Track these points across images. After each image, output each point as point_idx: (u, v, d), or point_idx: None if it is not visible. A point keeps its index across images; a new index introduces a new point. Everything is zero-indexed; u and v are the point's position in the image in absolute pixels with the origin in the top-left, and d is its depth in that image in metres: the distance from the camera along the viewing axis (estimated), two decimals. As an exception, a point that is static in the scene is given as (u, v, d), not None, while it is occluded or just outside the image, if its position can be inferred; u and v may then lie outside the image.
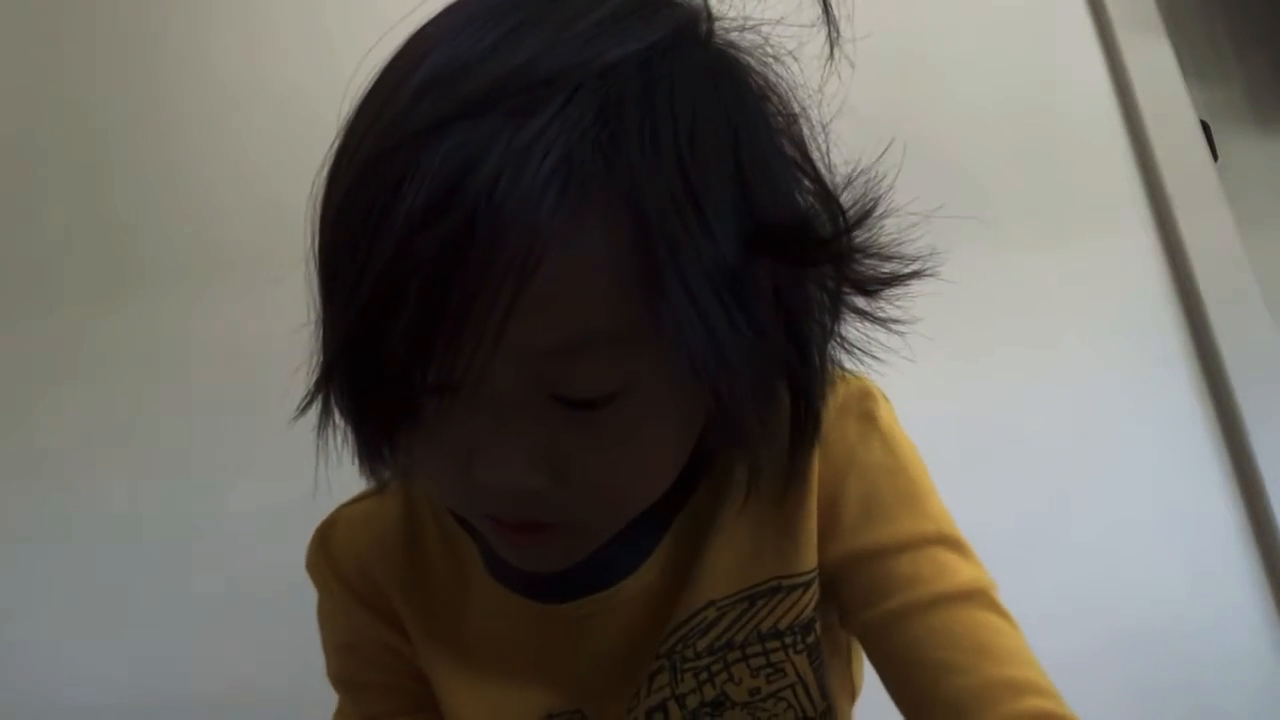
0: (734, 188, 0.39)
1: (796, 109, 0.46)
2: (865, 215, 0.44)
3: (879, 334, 0.49)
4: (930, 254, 0.49)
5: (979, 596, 0.51)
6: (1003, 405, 1.28)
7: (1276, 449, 1.26)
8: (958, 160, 1.36)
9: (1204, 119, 1.41)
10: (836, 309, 0.47)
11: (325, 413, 0.42)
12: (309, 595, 0.62)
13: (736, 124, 0.41)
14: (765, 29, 0.47)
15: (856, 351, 0.49)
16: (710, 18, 0.44)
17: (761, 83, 0.45)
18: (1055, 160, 1.37)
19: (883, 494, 0.53)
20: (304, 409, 0.42)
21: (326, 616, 0.62)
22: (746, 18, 0.46)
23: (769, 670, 0.55)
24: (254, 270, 1.10)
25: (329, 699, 0.62)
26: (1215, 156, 1.41)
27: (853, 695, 0.64)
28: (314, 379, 0.41)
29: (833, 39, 0.49)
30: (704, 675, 0.55)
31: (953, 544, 0.53)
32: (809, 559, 0.53)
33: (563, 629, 0.55)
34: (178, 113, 1.18)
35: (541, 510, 0.43)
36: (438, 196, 0.34)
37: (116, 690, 1.00)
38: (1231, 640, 1.22)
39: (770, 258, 0.41)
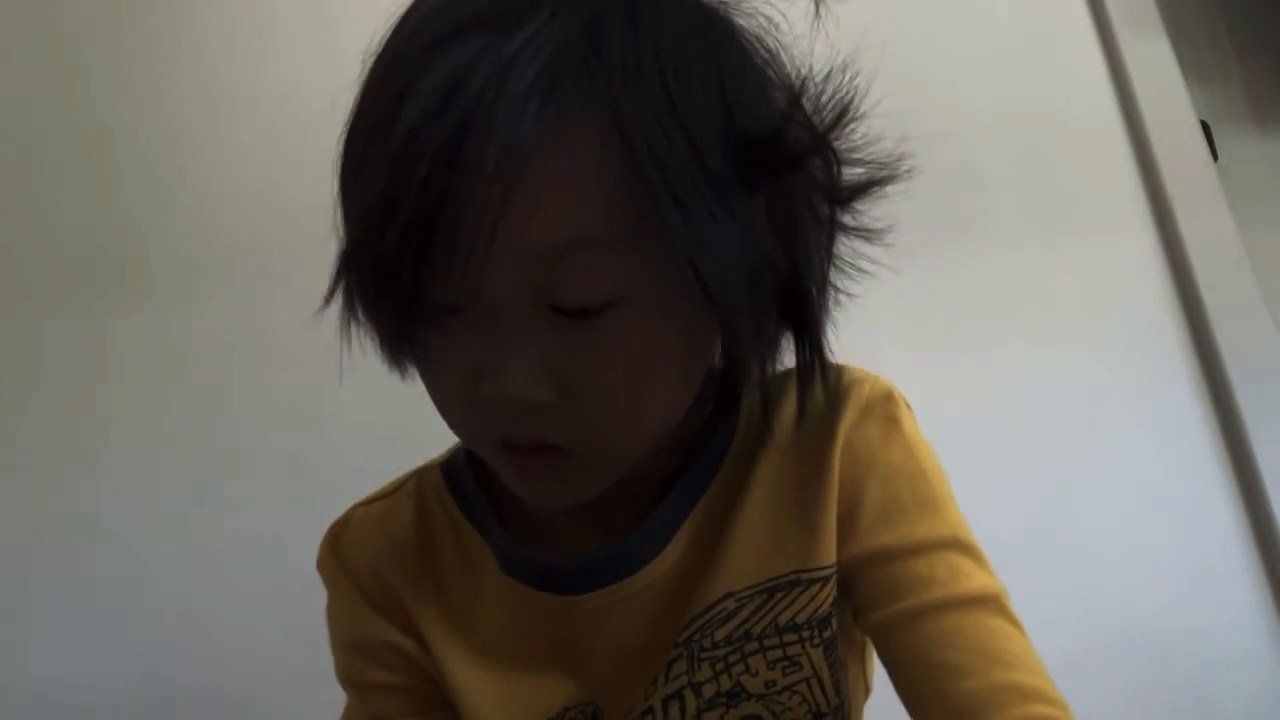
0: (717, 102, 0.42)
1: (774, 44, 0.49)
2: (841, 117, 0.46)
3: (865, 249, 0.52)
4: (900, 157, 0.51)
5: (991, 602, 0.51)
6: (1003, 405, 1.28)
7: (1276, 449, 1.26)
8: (958, 160, 1.36)
9: (1204, 119, 1.42)
10: (829, 229, 0.49)
11: (348, 306, 0.44)
12: (314, 596, 0.62)
13: (719, 42, 0.44)
14: None
15: (850, 270, 0.52)
16: None
17: (746, 21, 0.48)
18: (1055, 160, 1.37)
19: (902, 497, 0.54)
20: (328, 300, 0.44)
21: (335, 616, 0.62)
22: None
23: (785, 663, 0.55)
24: (257, 270, 1.10)
25: (332, 700, 0.62)
26: (1215, 156, 1.41)
27: (866, 692, 0.65)
28: (334, 272, 0.43)
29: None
30: (720, 665, 0.55)
31: (968, 550, 0.53)
32: (829, 554, 0.54)
33: (578, 622, 0.56)
34: (181, 113, 1.18)
35: (550, 429, 0.44)
36: (432, 106, 0.38)
37: (118, 692, 1.00)
38: (1231, 640, 1.22)
39: (756, 168, 0.43)
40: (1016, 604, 0.51)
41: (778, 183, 0.45)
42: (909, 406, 0.58)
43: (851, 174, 0.48)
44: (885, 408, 0.56)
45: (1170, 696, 1.17)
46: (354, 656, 0.61)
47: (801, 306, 0.50)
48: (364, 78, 0.44)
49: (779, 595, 0.54)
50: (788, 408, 0.54)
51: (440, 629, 0.58)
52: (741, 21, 0.48)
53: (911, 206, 1.47)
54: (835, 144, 0.46)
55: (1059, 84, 1.41)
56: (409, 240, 0.39)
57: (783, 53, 0.48)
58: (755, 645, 0.55)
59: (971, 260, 1.33)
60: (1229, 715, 1.18)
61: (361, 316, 0.44)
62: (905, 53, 1.39)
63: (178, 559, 1.03)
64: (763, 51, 0.48)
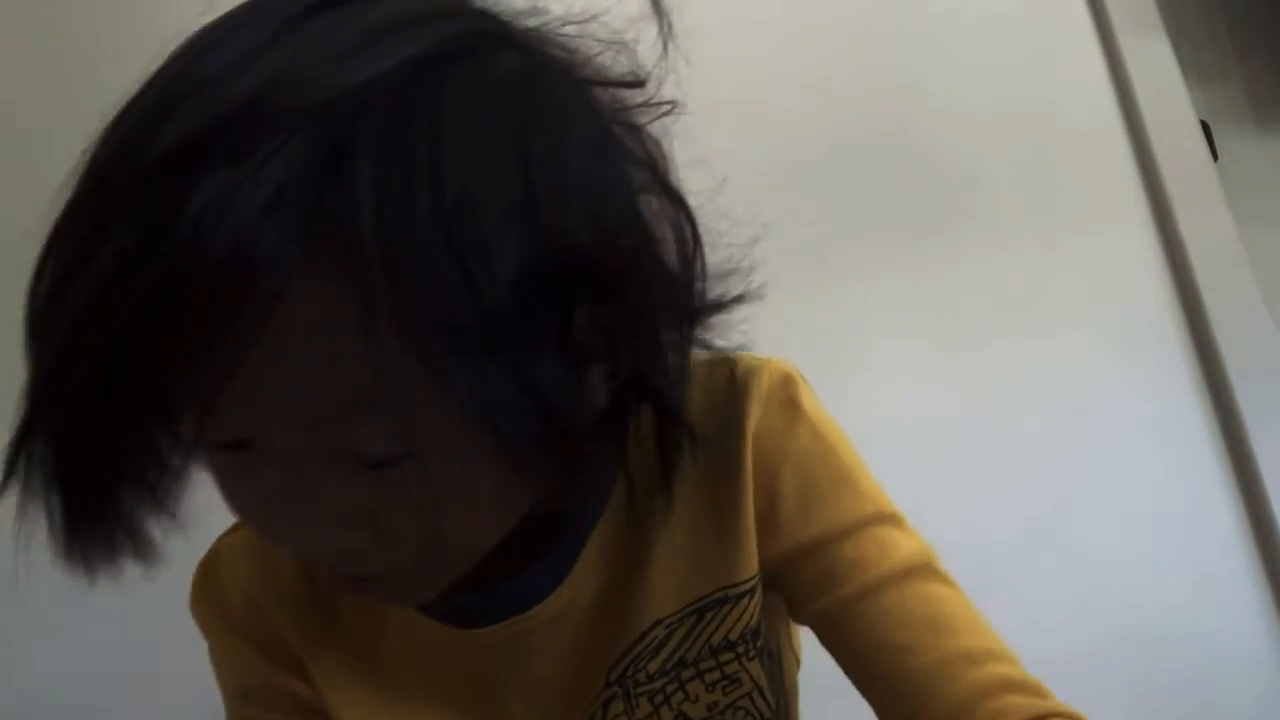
0: (515, 221, 0.34)
1: (638, 119, 0.43)
2: (695, 247, 0.42)
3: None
4: (756, 272, 0.46)
5: (923, 569, 0.51)
6: (1003, 406, 1.28)
7: (1276, 449, 1.26)
8: (958, 160, 1.36)
9: (1204, 119, 1.41)
10: (681, 334, 0.44)
11: (27, 486, 0.35)
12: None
13: (529, 145, 0.35)
14: (593, 26, 0.43)
15: (717, 344, 0.46)
16: (509, 21, 0.40)
17: (588, 93, 0.41)
18: (1055, 160, 1.37)
19: (818, 480, 0.52)
20: (5, 479, 0.35)
21: (217, 663, 0.56)
22: (564, 17, 0.43)
23: (725, 683, 0.54)
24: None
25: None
26: (1215, 156, 1.41)
27: (797, 663, 0.64)
28: (14, 438, 0.34)
29: (665, 33, 0.45)
30: (659, 698, 0.53)
31: (890, 519, 0.52)
32: (751, 564, 0.52)
33: (488, 656, 0.52)
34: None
35: (367, 566, 0.40)
36: (140, 244, 0.30)
37: (119, 693, 1.00)
38: (1231, 641, 1.22)
39: (571, 291, 0.36)
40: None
41: (605, 304, 0.38)
42: (805, 381, 0.55)
43: (713, 269, 0.43)
44: (784, 392, 0.53)
45: (1171, 698, 1.17)
46: (242, 704, 0.55)
47: (655, 397, 0.44)
48: (77, 181, 0.35)
49: (708, 615, 0.53)
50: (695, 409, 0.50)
51: (334, 669, 0.53)
52: (587, 89, 0.41)
53: (911, 206, 1.47)
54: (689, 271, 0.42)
55: (1059, 84, 1.41)
56: (141, 395, 0.33)
57: (650, 139, 0.42)
58: (692, 671, 0.53)
59: (971, 260, 1.33)
60: (1229, 716, 1.18)
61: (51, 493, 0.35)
62: (906, 53, 1.39)
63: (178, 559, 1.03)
64: (619, 126, 0.41)
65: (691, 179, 0.45)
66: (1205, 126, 1.41)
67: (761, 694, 0.55)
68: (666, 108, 0.45)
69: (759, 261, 0.46)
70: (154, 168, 0.31)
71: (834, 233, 1.33)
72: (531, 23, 0.41)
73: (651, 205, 0.42)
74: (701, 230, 0.43)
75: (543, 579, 0.51)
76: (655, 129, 0.44)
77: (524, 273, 0.34)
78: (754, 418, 0.52)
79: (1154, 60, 1.41)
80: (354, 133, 0.32)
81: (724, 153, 1.50)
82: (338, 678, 0.53)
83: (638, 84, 0.44)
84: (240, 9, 0.36)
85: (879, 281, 1.31)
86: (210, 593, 0.55)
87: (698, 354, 0.47)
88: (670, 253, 0.42)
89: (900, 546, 0.51)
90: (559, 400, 0.36)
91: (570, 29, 0.42)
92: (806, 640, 0.62)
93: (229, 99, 0.32)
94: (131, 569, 0.38)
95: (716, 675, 0.54)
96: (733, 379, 0.52)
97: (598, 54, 0.43)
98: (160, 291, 0.30)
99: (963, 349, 1.30)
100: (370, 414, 0.34)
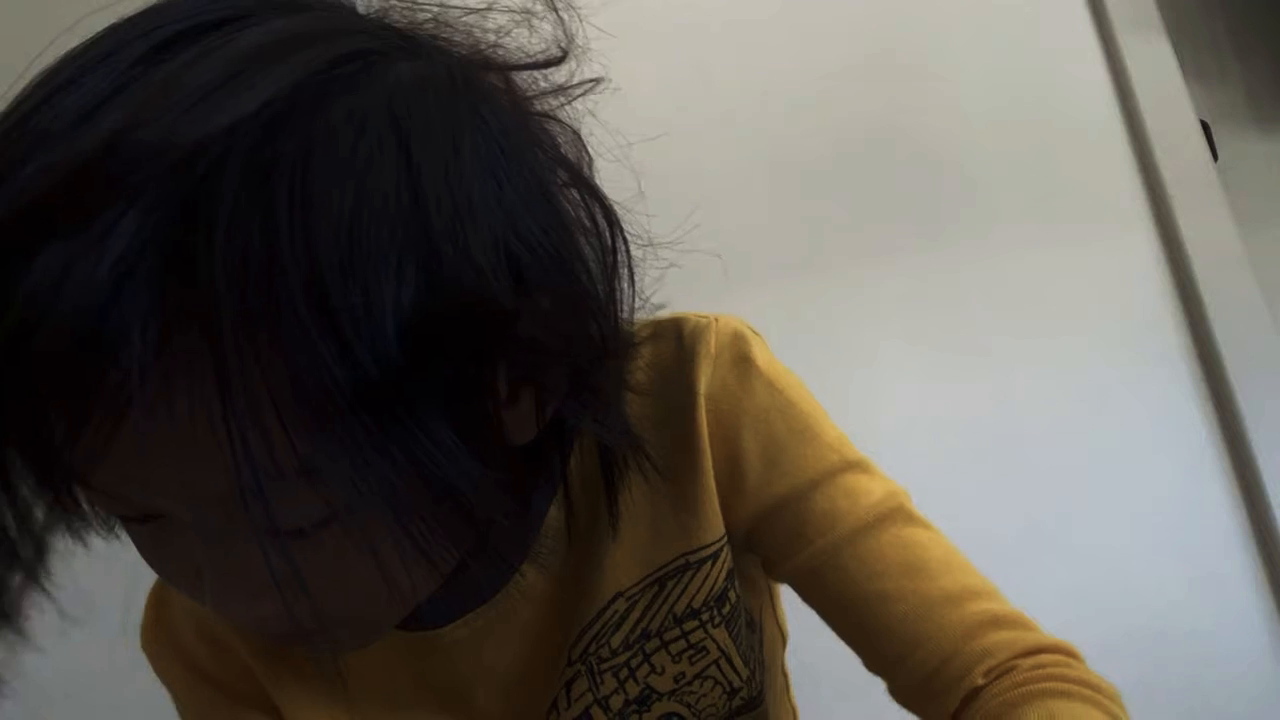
0: (400, 274, 0.30)
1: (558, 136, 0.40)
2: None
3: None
4: (662, 307, 0.44)
5: (896, 513, 0.50)
6: (1003, 406, 1.28)
7: (1276, 449, 1.26)
8: (958, 160, 1.36)
9: (1204, 119, 1.41)
10: (605, 353, 0.41)
11: None
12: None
13: (418, 178, 0.31)
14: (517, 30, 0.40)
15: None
16: (393, 25, 0.37)
17: (492, 92, 0.37)
18: (1055, 160, 1.37)
19: (779, 436, 0.51)
20: None
21: (179, 708, 0.54)
22: (461, 20, 0.39)
23: (691, 652, 0.53)
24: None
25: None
26: (1215, 156, 1.41)
27: (783, 640, 0.63)
28: None
29: (566, 26, 0.41)
30: (624, 673, 0.52)
31: (856, 465, 0.51)
32: (714, 528, 0.51)
33: (451, 657, 0.51)
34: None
35: (295, 625, 0.37)
36: None
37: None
38: (1231, 640, 1.22)
39: (474, 344, 0.34)
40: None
41: (516, 350, 0.36)
42: (758, 334, 0.53)
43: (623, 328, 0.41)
44: (735, 349, 0.51)
45: (1170, 697, 1.17)
46: None
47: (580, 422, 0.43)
48: None
49: (670, 584, 0.51)
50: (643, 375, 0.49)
51: (299, 695, 0.51)
52: (503, 112, 0.37)
53: (912, 206, 1.47)
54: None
55: (1059, 84, 1.41)
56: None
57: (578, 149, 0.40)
58: (656, 642, 0.52)
59: (971, 260, 1.33)
60: (1229, 715, 1.18)
61: None
62: (906, 53, 1.39)
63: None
64: (534, 121, 0.38)
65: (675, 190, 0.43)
66: (1205, 126, 1.41)
67: (729, 661, 0.54)
68: (589, 85, 0.42)
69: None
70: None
71: (834, 233, 1.33)
72: (424, 15, 0.38)
73: (570, 207, 0.39)
74: (629, 233, 0.41)
75: (492, 573, 0.50)
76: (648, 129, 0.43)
77: (413, 331, 0.30)
78: (705, 378, 0.50)
79: (1154, 60, 1.41)
80: (209, 192, 0.28)
81: (724, 152, 1.50)
82: (304, 703, 0.51)
83: (555, 61, 0.41)
84: (95, 42, 0.32)
85: (879, 281, 1.31)
86: (162, 631, 0.52)
87: (643, 318, 0.46)
88: (592, 266, 0.39)
89: (870, 492, 0.50)
90: (456, 473, 0.33)
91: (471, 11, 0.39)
92: (807, 642, 0.62)
93: (67, 160, 0.28)
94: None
95: (682, 645, 0.53)
96: (680, 341, 0.50)
97: (508, 31, 0.40)
98: (4, 369, 0.28)
99: (963, 349, 1.30)
100: (267, 490, 0.30)
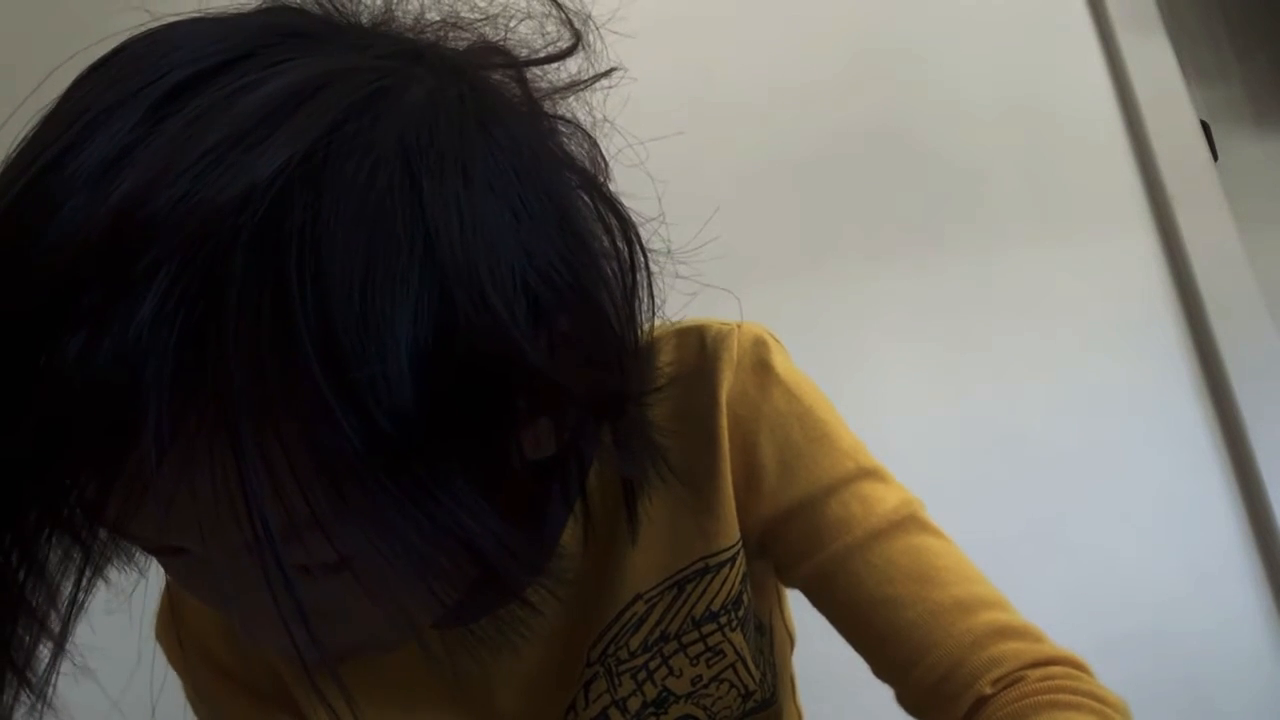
0: (415, 338, 0.30)
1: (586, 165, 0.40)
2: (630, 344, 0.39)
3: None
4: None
5: (909, 522, 0.50)
6: (1003, 406, 1.28)
7: (1276, 449, 1.26)
8: (958, 160, 1.36)
9: (1204, 119, 1.41)
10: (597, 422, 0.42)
11: None
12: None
13: (432, 231, 0.31)
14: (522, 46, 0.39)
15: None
16: (405, 40, 0.36)
17: (507, 106, 0.37)
18: (1055, 160, 1.38)
19: (796, 443, 0.51)
20: None
21: (196, 705, 0.54)
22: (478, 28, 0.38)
23: (709, 655, 0.53)
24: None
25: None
26: (1215, 156, 1.41)
27: (791, 643, 0.63)
28: None
29: (582, 37, 0.41)
30: (642, 674, 0.53)
31: (872, 473, 0.52)
32: (731, 532, 0.52)
33: (475, 649, 0.51)
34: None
35: (321, 648, 0.37)
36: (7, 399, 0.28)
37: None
38: (1231, 640, 1.22)
39: (499, 396, 0.34)
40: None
41: (540, 400, 0.36)
42: (779, 341, 0.54)
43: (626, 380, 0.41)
44: (755, 355, 0.52)
45: (1170, 696, 1.17)
46: None
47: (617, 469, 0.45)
48: None
49: (689, 587, 0.52)
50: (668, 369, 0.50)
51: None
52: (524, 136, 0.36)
53: (912, 205, 1.47)
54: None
55: (1059, 84, 1.41)
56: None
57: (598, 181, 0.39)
58: (675, 645, 0.53)
59: (971, 259, 1.33)
60: (1229, 715, 1.18)
61: None
62: (906, 53, 1.40)
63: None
64: (549, 122, 0.38)
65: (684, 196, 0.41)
66: (1205, 126, 1.41)
67: (745, 665, 0.54)
68: (603, 76, 0.42)
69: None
70: (15, 316, 0.28)
71: (834, 232, 1.34)
72: (432, 16, 0.38)
73: (587, 223, 0.38)
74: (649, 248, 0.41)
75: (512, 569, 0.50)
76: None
77: (431, 387, 0.30)
78: (727, 384, 0.50)
79: (1154, 60, 1.41)
80: (221, 269, 0.28)
81: (724, 152, 1.50)
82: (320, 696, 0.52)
83: (566, 53, 0.40)
84: (99, 88, 0.31)
85: (879, 281, 1.31)
86: (176, 625, 0.52)
87: (667, 323, 0.47)
88: (613, 287, 0.39)
89: (884, 500, 0.51)
90: (478, 530, 0.33)
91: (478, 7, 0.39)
92: (811, 641, 0.62)
93: (83, 238, 0.28)
94: None
95: (700, 647, 0.53)
96: (703, 347, 0.51)
97: (514, 27, 0.39)
98: (34, 447, 0.28)
99: (963, 349, 1.30)
100: (282, 555, 0.31)
